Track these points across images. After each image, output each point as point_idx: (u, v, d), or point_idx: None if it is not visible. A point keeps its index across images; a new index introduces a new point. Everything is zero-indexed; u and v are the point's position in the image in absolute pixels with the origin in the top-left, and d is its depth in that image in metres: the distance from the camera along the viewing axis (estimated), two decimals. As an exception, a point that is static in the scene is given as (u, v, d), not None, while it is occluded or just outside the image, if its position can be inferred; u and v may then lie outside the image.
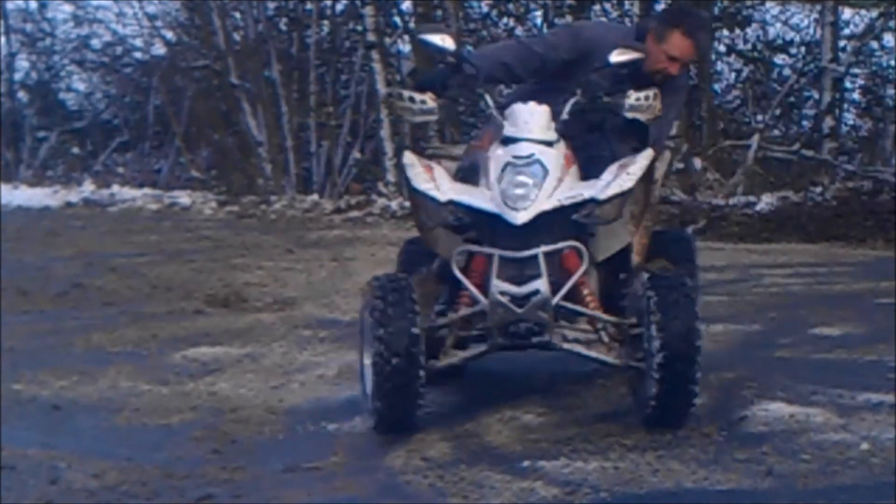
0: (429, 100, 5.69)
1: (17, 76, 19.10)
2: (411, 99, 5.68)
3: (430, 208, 5.47)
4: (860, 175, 13.55)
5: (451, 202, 5.41)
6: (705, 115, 14.53)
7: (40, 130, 18.88)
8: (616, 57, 5.69)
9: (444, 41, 5.82)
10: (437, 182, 5.46)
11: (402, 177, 5.73)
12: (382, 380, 5.19)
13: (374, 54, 14.98)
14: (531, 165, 5.42)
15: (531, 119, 5.53)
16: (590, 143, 5.79)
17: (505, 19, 15.90)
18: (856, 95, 15.34)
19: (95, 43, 18.91)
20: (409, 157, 5.55)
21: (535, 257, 5.31)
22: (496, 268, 5.31)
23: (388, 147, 14.90)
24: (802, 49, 15.13)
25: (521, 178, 5.39)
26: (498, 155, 5.48)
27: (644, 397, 5.29)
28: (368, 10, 15.04)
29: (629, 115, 5.62)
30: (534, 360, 6.79)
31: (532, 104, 5.58)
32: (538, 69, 5.92)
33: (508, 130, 5.53)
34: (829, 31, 14.18)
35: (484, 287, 5.33)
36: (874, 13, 14.39)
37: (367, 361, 5.36)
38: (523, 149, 5.44)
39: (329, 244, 11.70)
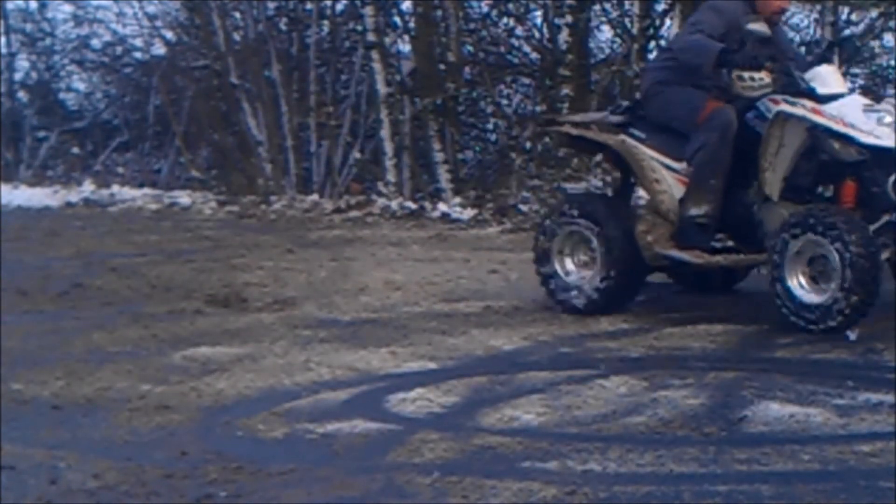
0: (765, 76, 7.11)
1: (17, 76, 19.11)
2: (751, 78, 7.10)
3: None
4: (860, 175, 13.51)
5: None
6: (705, 115, 14.51)
7: (40, 130, 18.89)
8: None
9: (762, 27, 7.37)
10: None
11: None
12: None
13: (374, 54, 14.97)
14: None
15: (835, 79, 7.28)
16: None
17: (505, 19, 15.90)
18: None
19: (95, 43, 18.93)
20: None
21: None
22: None
23: (388, 147, 14.90)
24: (802, 49, 15.12)
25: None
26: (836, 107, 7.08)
27: None
28: (368, 10, 15.03)
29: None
30: (534, 360, 6.81)
31: (826, 67, 7.36)
32: None
33: (821, 90, 7.12)
34: (829, 31, 14.17)
35: None
36: (874, 13, 14.38)
37: None
38: (857, 100, 7.27)
39: (329, 244, 11.70)
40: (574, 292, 7.86)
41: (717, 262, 7.62)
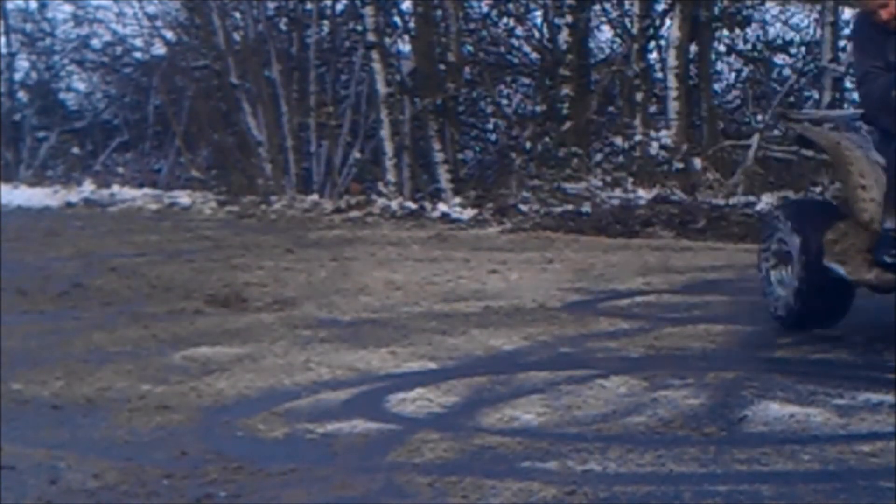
0: None
1: (17, 76, 19.11)
2: None
3: None
4: (860, 175, 13.52)
5: None
6: (705, 115, 14.53)
7: (40, 130, 18.89)
8: None
9: None
10: None
11: None
12: None
13: (374, 54, 14.98)
14: None
15: None
16: None
17: (505, 19, 15.91)
18: (856, 95, 15.32)
19: (95, 43, 18.93)
20: None
21: None
22: None
23: (388, 147, 14.90)
24: (802, 49, 15.13)
25: None
26: None
27: None
28: (368, 10, 15.04)
29: None
30: (534, 360, 6.81)
31: None
32: None
33: None
34: (829, 31, 14.18)
35: None
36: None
37: None
38: None
39: (329, 244, 11.70)
40: (778, 302, 7.24)
41: (867, 281, 6.82)
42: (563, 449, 5.12)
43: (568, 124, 14.30)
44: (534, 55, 15.66)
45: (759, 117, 14.97)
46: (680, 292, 8.79)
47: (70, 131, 18.69)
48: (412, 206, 14.30)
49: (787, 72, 15.33)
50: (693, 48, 14.42)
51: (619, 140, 14.43)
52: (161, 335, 7.61)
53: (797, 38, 15.27)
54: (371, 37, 15.01)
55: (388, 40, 15.39)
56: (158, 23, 17.93)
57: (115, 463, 5.12)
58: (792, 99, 15.17)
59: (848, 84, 14.93)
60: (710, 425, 5.38)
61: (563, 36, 14.54)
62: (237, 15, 16.58)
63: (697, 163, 13.75)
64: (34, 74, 19.17)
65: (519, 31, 15.80)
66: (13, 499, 4.75)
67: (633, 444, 5.14)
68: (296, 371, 6.61)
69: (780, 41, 15.38)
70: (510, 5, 15.72)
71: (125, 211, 15.53)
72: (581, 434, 5.34)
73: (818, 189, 13.20)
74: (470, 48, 15.63)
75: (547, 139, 14.52)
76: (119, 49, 18.79)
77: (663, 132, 14.06)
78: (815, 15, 14.79)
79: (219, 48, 16.40)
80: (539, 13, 15.41)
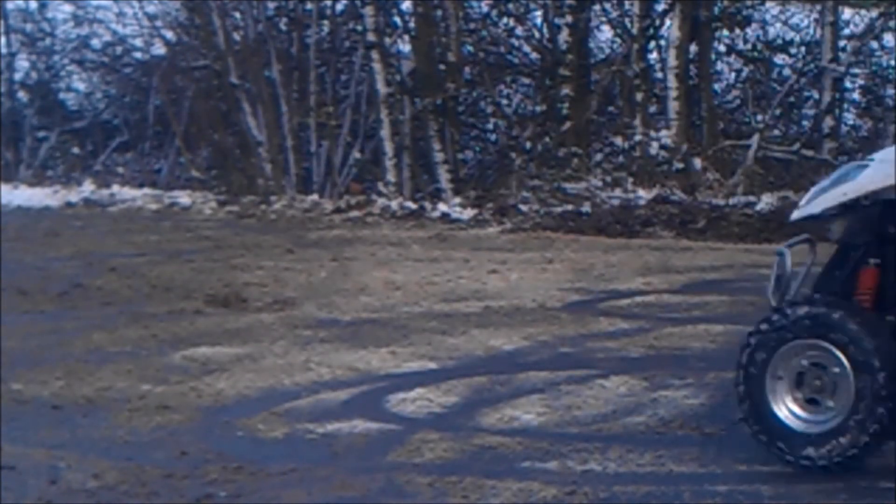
0: None
1: (17, 76, 19.09)
2: None
3: None
4: (860, 175, 13.53)
5: None
6: (705, 115, 14.53)
7: (40, 130, 18.86)
8: None
9: None
10: None
11: None
12: None
13: (374, 54, 14.97)
14: None
15: None
16: None
17: (505, 19, 15.90)
18: (856, 95, 15.34)
19: (95, 43, 18.89)
20: None
21: None
22: None
23: (388, 147, 14.89)
24: (802, 49, 15.13)
25: None
26: None
27: None
28: (368, 10, 15.03)
29: None
30: (534, 360, 6.81)
31: None
32: None
33: None
34: (829, 31, 14.18)
35: None
36: (874, 13, 14.39)
37: None
38: None
39: (329, 244, 11.70)
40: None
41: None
42: (563, 449, 5.12)
43: (568, 124, 14.30)
44: (534, 55, 15.65)
45: (759, 117, 14.97)
46: (680, 292, 8.79)
47: (70, 131, 18.67)
48: (412, 206, 14.29)
49: (787, 72, 15.33)
50: (693, 48, 14.42)
51: (619, 140, 14.43)
52: (161, 335, 7.61)
53: (797, 38, 15.27)
54: (371, 37, 15.00)
55: (388, 40, 15.38)
56: (158, 23, 17.91)
57: (115, 463, 5.12)
58: (792, 99, 15.18)
59: (848, 84, 14.94)
60: (710, 425, 5.39)
61: (563, 36, 14.53)
62: (237, 15, 16.56)
63: (697, 163, 13.74)
64: (34, 74, 19.15)
65: (519, 31, 15.79)
66: (13, 499, 4.75)
67: (633, 444, 5.14)
68: (296, 371, 6.61)
69: (780, 41, 15.37)
70: (510, 5, 15.71)
71: (125, 211, 15.52)
72: (581, 434, 5.34)
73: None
74: (470, 48, 15.62)
75: (547, 139, 14.52)
76: (119, 49, 18.76)
77: (663, 132, 14.06)
78: (815, 15, 14.78)
79: (219, 48, 16.39)
80: (539, 13, 15.40)
